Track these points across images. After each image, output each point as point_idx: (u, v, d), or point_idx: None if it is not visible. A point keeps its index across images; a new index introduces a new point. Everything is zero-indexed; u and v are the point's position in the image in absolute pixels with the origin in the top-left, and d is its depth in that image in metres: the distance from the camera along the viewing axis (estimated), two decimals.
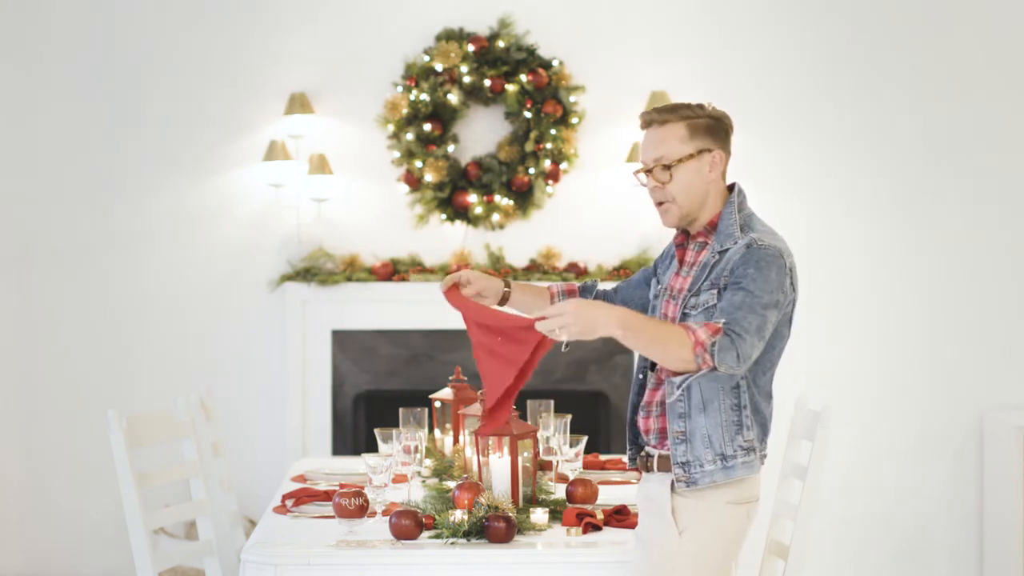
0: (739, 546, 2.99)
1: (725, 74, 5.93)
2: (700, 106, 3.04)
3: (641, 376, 3.13)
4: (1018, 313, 5.95)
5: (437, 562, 3.04)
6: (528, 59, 5.83)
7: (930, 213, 5.96)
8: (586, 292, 3.37)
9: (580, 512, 3.26)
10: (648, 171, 3.03)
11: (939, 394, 5.95)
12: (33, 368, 5.90)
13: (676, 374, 2.92)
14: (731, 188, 3.07)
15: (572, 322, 2.83)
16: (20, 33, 5.89)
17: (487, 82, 5.83)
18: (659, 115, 3.02)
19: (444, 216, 5.85)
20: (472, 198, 5.83)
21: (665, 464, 2.98)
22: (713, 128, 3.02)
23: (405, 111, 5.80)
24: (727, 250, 2.95)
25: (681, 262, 3.09)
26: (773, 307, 2.88)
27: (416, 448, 3.54)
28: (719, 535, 2.92)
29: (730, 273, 2.90)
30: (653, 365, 3.07)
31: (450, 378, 4.14)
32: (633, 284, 3.32)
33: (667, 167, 3.00)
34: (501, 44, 5.82)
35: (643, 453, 3.08)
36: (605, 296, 3.36)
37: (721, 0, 5.95)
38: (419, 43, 5.89)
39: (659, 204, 3.05)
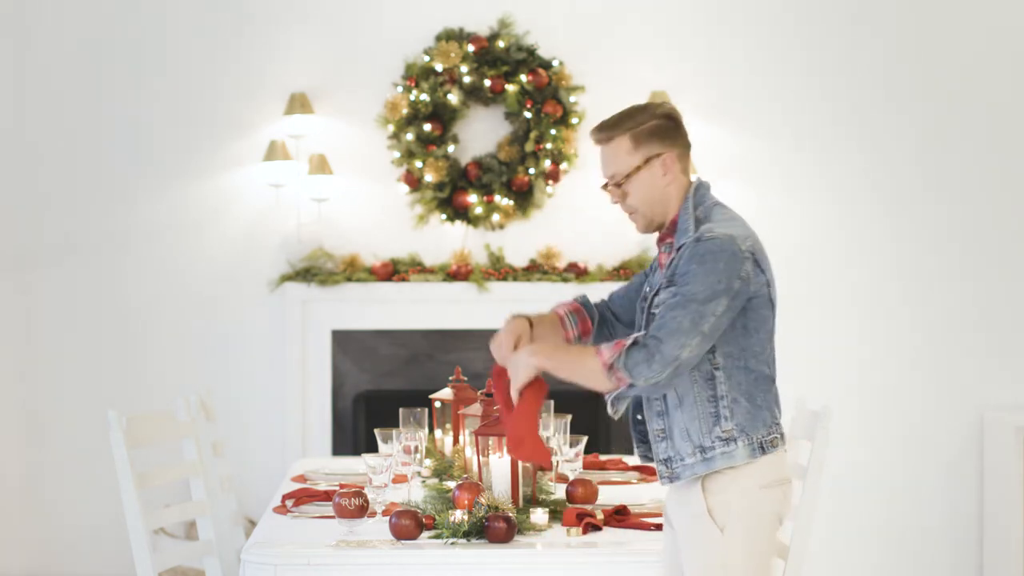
0: (777, 530, 2.98)
1: (725, 74, 5.93)
2: (645, 109, 3.01)
3: None
4: (1018, 313, 5.95)
5: (437, 562, 3.04)
6: (528, 59, 5.83)
7: (930, 212, 5.96)
8: (587, 307, 3.30)
9: (580, 512, 3.26)
10: (608, 187, 3.05)
11: (939, 394, 5.94)
12: (34, 368, 5.90)
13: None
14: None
15: (511, 374, 2.99)
16: (20, 32, 5.89)
17: (487, 82, 5.82)
18: (604, 133, 3.00)
19: (444, 216, 5.85)
20: (472, 198, 5.82)
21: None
22: (661, 130, 2.98)
23: (405, 111, 5.80)
24: (682, 246, 2.93)
25: (661, 265, 3.08)
26: (721, 296, 2.83)
27: (416, 448, 3.55)
28: (760, 522, 2.91)
29: (676, 271, 2.90)
30: None
31: (450, 378, 4.14)
32: (628, 291, 3.28)
33: (620, 183, 3.00)
34: (501, 44, 5.82)
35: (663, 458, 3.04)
36: (597, 306, 3.30)
37: (721, 0, 5.95)
38: (419, 43, 5.89)
39: (628, 214, 3.07)
